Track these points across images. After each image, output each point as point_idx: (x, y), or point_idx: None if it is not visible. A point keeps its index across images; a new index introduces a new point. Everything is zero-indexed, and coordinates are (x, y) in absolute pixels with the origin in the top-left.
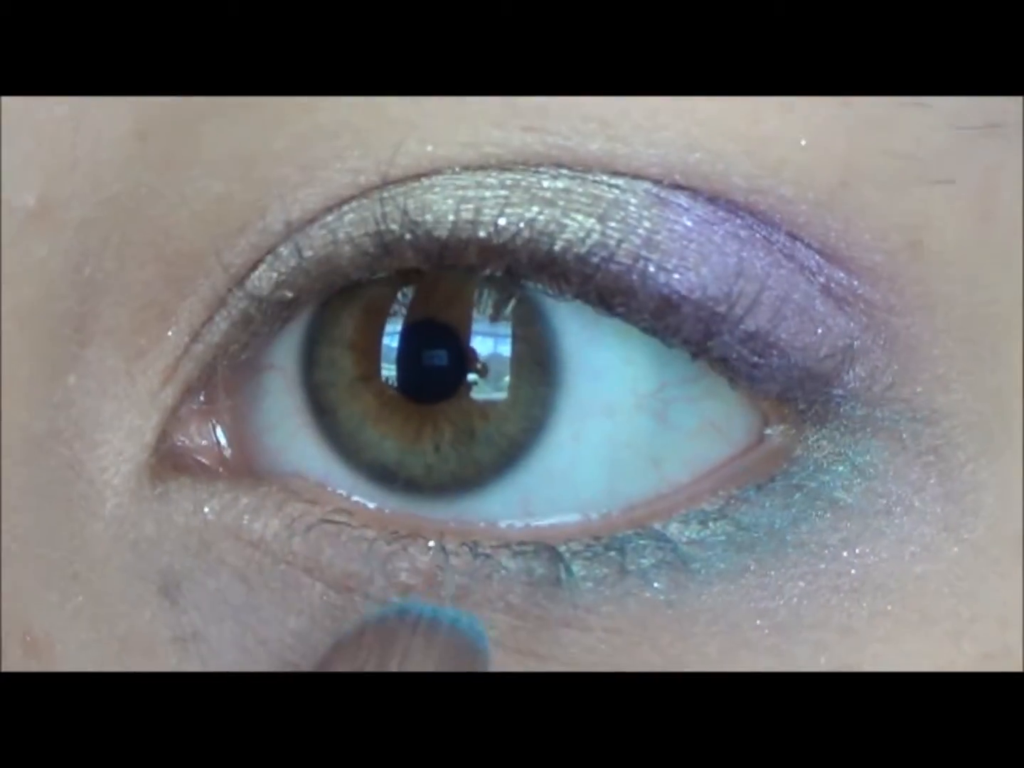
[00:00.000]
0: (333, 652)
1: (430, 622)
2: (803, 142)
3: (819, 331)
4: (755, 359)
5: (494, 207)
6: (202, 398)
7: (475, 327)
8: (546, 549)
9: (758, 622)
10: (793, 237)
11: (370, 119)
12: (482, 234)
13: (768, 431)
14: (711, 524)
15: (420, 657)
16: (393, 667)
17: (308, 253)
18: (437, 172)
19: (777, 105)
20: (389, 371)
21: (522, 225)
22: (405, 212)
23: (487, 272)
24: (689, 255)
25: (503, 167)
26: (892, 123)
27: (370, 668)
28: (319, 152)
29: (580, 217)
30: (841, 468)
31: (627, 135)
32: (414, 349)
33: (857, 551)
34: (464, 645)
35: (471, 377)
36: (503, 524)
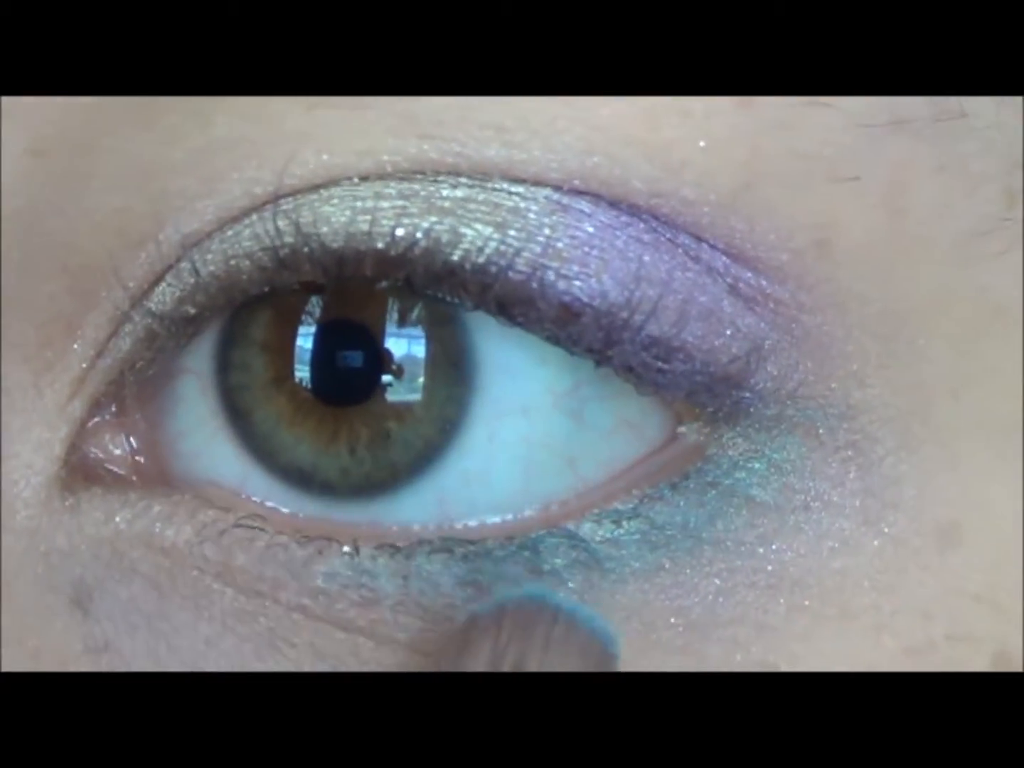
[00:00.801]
0: (470, 626)
1: (568, 616)
2: (702, 144)
3: (728, 332)
4: (659, 364)
5: (391, 217)
6: (113, 409)
7: (389, 328)
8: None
9: (672, 620)
10: (698, 239)
11: (266, 131)
12: (379, 245)
13: (681, 428)
14: (625, 523)
15: (561, 648)
16: (535, 654)
17: (207, 269)
18: (335, 183)
19: (675, 109)
20: (303, 373)
21: (419, 235)
22: (298, 225)
23: (384, 284)
24: (590, 261)
25: (402, 177)
26: (795, 123)
27: (512, 651)
28: (217, 164)
29: (479, 226)
30: (757, 465)
31: (524, 141)
32: (328, 351)
33: (774, 547)
34: (600, 644)
35: (386, 379)
36: (417, 526)
